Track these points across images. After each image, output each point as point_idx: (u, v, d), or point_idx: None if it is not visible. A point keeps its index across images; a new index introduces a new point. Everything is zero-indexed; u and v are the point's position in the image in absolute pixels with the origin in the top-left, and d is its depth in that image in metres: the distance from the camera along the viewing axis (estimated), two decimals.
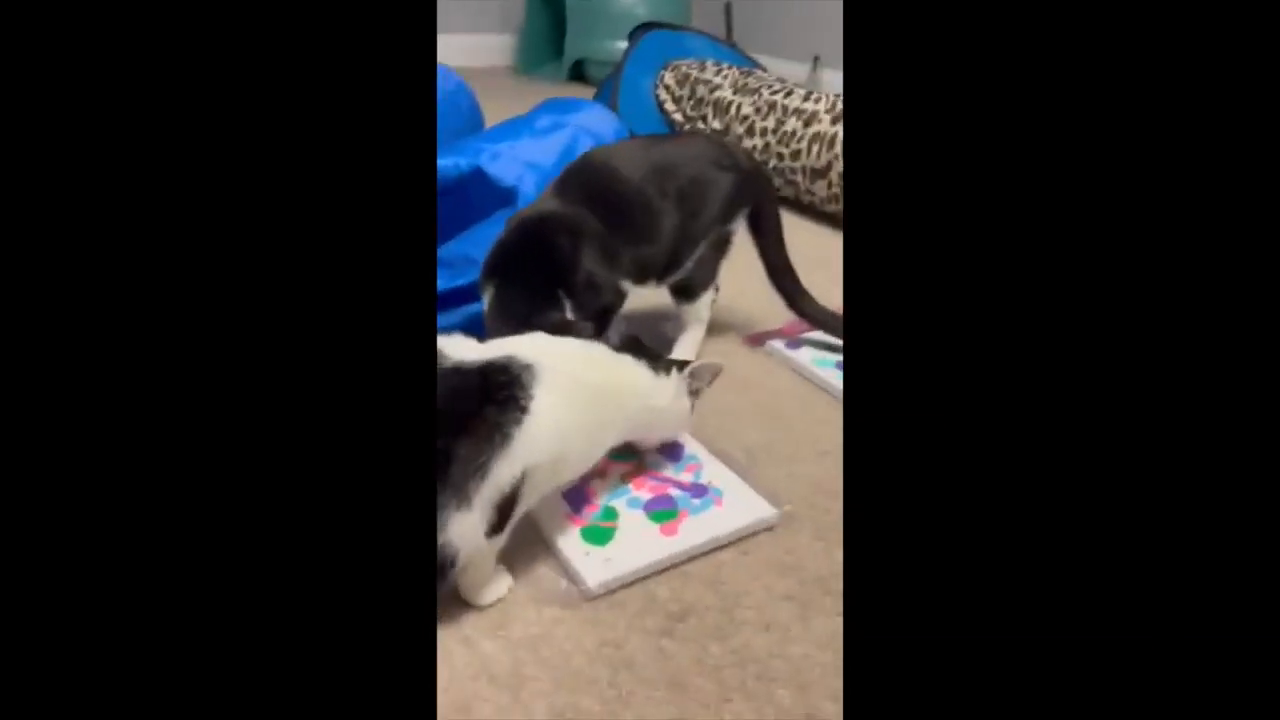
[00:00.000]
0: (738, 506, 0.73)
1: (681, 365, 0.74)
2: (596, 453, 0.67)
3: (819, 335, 1.05)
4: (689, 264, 0.93)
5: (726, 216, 0.95)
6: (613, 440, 0.68)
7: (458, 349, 0.60)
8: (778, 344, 1.03)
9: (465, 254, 0.89)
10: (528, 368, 0.60)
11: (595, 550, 0.67)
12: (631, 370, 0.69)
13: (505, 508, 0.58)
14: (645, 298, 0.96)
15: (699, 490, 0.75)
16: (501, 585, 0.63)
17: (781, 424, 0.89)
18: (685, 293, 0.95)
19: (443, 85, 1.38)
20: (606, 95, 1.92)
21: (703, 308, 0.98)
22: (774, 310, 1.15)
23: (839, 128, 1.45)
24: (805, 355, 1.01)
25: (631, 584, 0.65)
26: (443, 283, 0.90)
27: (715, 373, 0.76)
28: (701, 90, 1.80)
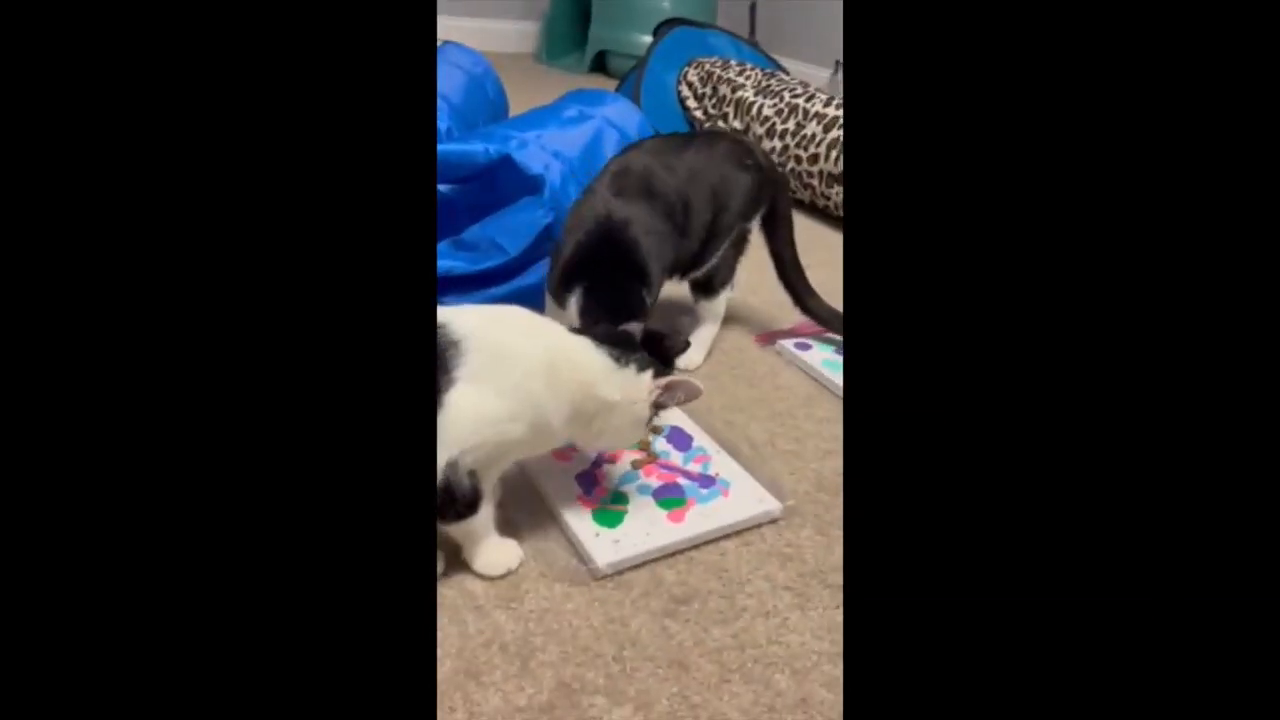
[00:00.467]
0: (743, 498, 0.75)
1: (659, 372, 0.68)
2: (547, 435, 0.64)
3: (830, 338, 1.08)
4: (714, 259, 0.96)
5: (748, 214, 0.98)
6: (562, 423, 0.63)
7: None
8: (788, 344, 1.06)
9: (490, 238, 0.91)
10: (454, 344, 0.58)
11: (605, 532, 0.69)
12: (583, 356, 0.64)
13: (446, 494, 0.58)
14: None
15: (707, 481, 0.77)
16: (513, 559, 0.66)
17: (788, 421, 0.91)
18: (706, 288, 0.98)
19: (471, 69, 1.39)
20: (629, 88, 1.93)
21: (720, 304, 1.00)
22: (785, 311, 1.17)
23: None
24: (814, 356, 1.03)
25: (639, 566, 0.68)
26: (466, 265, 0.92)
27: (691, 394, 0.69)
28: (724, 89, 1.81)
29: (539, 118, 1.11)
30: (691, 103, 1.90)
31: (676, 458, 0.80)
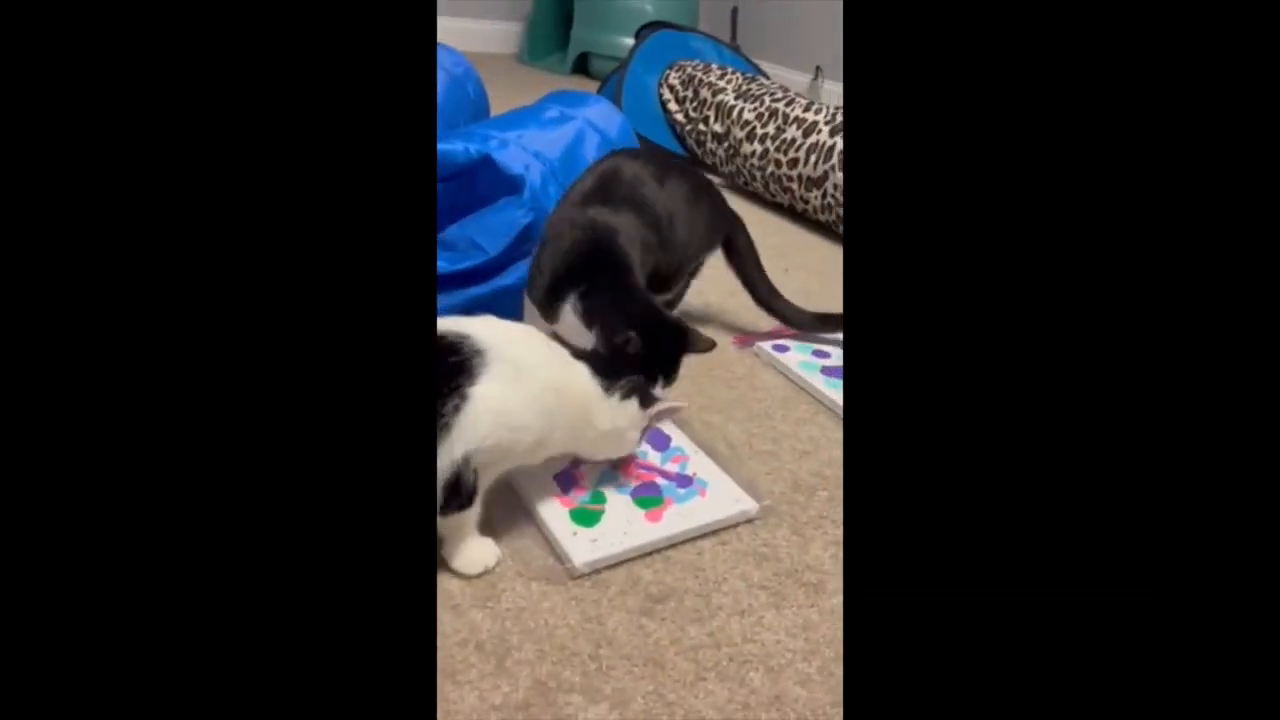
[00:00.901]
0: (720, 498, 0.76)
1: (646, 399, 0.71)
2: (545, 448, 0.67)
3: (807, 339, 1.09)
4: (680, 283, 0.97)
5: (712, 244, 1.02)
6: (560, 440, 0.67)
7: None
8: (765, 345, 1.07)
9: (470, 238, 0.91)
10: (480, 353, 0.61)
11: (583, 531, 0.69)
12: (581, 383, 0.68)
13: (452, 488, 0.60)
14: None
15: (684, 481, 0.78)
16: (490, 558, 0.66)
17: (765, 422, 0.92)
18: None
19: (452, 69, 1.39)
20: (610, 90, 1.94)
21: None
22: (764, 313, 1.18)
23: (837, 139, 1.48)
24: (792, 358, 1.04)
25: (616, 565, 0.68)
26: (445, 265, 0.92)
27: (675, 413, 0.75)
28: (705, 93, 1.82)
29: (520, 118, 1.11)
30: (673, 105, 1.91)
31: (654, 457, 0.81)
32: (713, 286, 1.16)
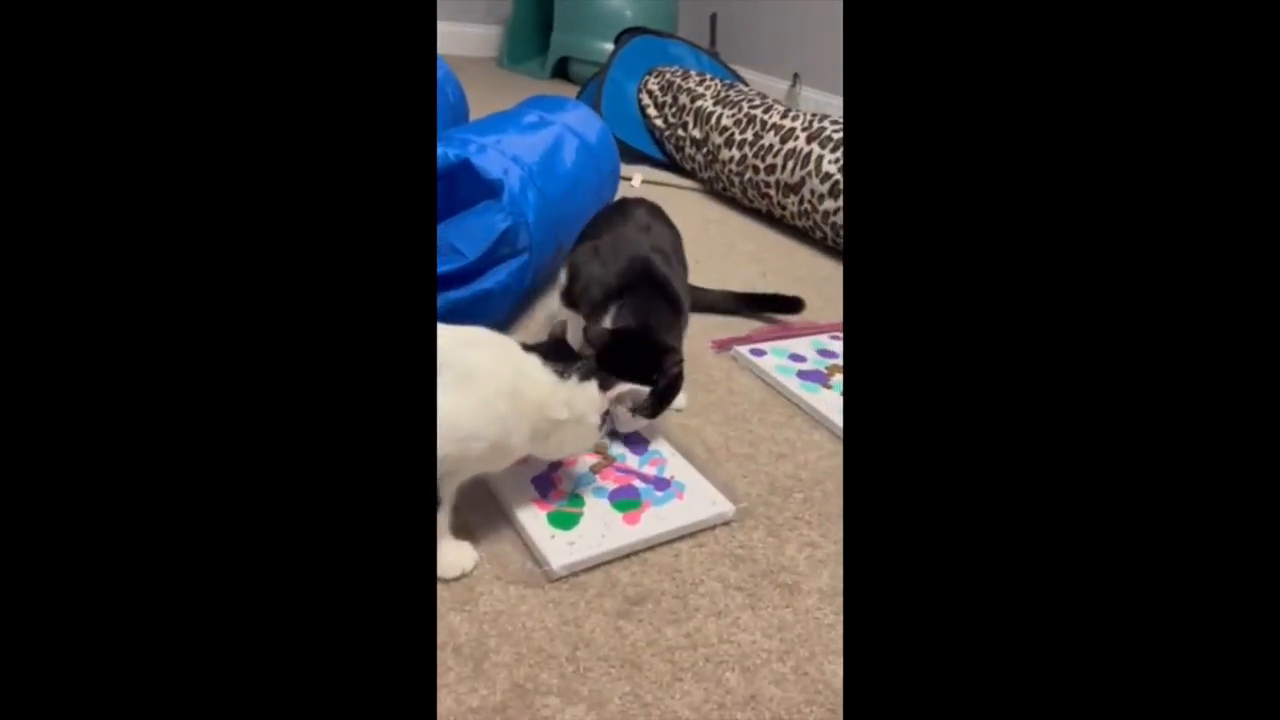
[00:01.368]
0: (697, 501, 0.77)
1: (605, 382, 0.70)
2: (507, 452, 0.66)
3: (781, 344, 1.10)
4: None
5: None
6: (522, 443, 0.66)
7: None
8: (743, 350, 1.08)
9: (449, 242, 0.91)
10: None
11: (560, 534, 0.70)
12: (535, 376, 0.66)
13: None
14: None
15: (662, 484, 0.78)
16: (468, 562, 0.66)
17: (742, 425, 0.93)
18: None
19: None
20: (590, 95, 1.94)
21: None
22: (741, 318, 1.20)
23: (814, 146, 1.50)
24: (768, 362, 1.05)
25: (594, 568, 0.68)
26: None
27: (638, 398, 0.74)
28: (684, 98, 1.84)
29: (499, 123, 1.12)
30: (652, 111, 1.92)
31: (632, 460, 0.82)
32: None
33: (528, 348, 0.68)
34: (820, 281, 1.39)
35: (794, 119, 1.59)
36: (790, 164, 1.53)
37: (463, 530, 0.68)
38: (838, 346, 1.12)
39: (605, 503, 0.75)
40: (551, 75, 2.82)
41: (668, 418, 0.92)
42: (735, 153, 1.65)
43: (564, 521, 0.71)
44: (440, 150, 0.96)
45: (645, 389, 0.76)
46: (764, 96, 1.77)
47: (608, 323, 0.83)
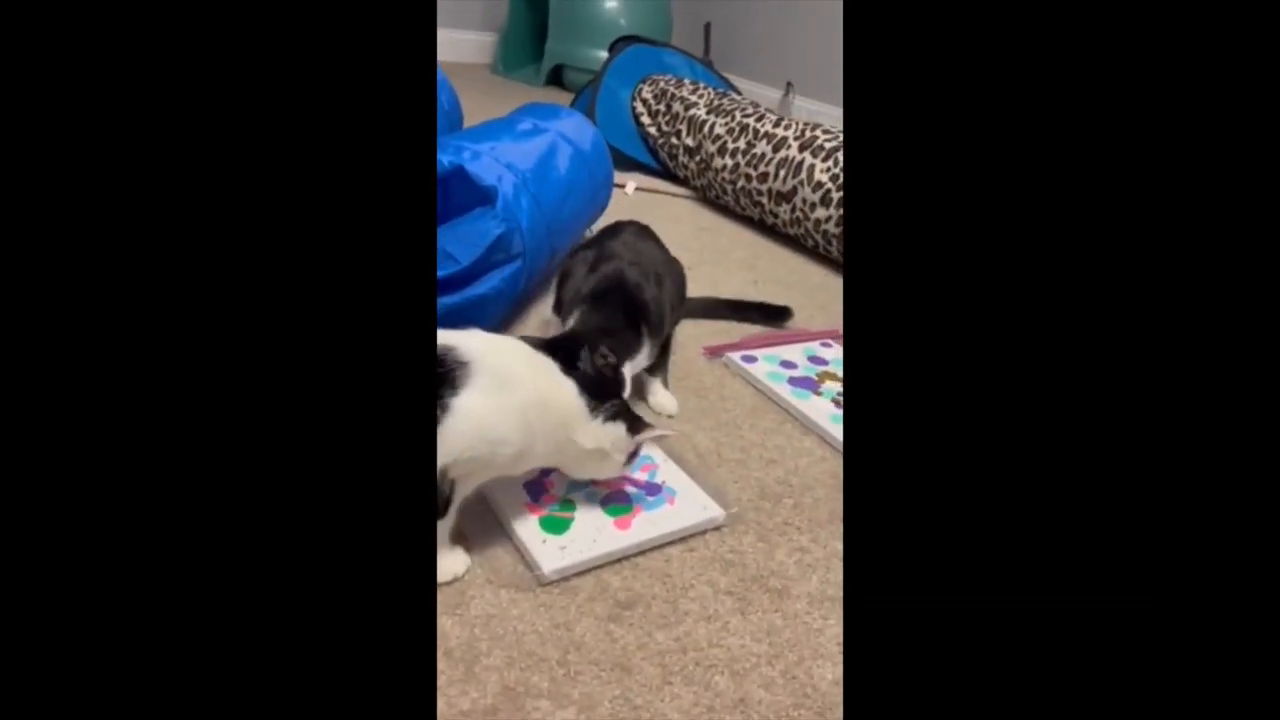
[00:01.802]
0: (688, 506, 0.77)
1: (635, 424, 0.71)
2: (526, 460, 0.67)
3: (772, 350, 1.11)
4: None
5: (681, 303, 1.06)
6: (542, 454, 0.67)
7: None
8: (734, 356, 1.09)
9: (443, 248, 0.92)
10: (463, 365, 0.61)
11: (552, 539, 0.70)
12: (567, 399, 0.68)
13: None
14: None
15: (653, 489, 0.79)
16: (460, 566, 0.66)
17: (733, 431, 0.94)
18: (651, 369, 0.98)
19: None
20: (584, 103, 1.95)
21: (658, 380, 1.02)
22: (733, 325, 1.21)
23: (806, 154, 1.51)
24: (760, 369, 1.06)
25: (585, 572, 0.69)
26: None
27: (663, 438, 0.78)
28: (678, 107, 1.85)
29: (493, 130, 1.12)
30: (646, 119, 1.94)
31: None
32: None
33: (565, 372, 0.69)
34: (812, 289, 1.40)
35: (786, 128, 1.60)
36: (782, 172, 1.54)
37: (454, 534, 0.69)
38: (829, 353, 1.13)
39: (597, 508, 0.75)
40: (546, 83, 2.83)
41: (659, 424, 0.92)
42: (728, 161, 1.67)
43: (556, 526, 0.72)
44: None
45: (670, 432, 0.81)
46: (757, 105, 1.79)
47: (570, 324, 0.86)
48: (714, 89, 1.90)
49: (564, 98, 2.34)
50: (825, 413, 0.97)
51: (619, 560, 0.71)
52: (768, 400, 1.01)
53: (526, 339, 0.79)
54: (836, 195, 1.45)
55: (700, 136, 1.75)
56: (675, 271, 1.03)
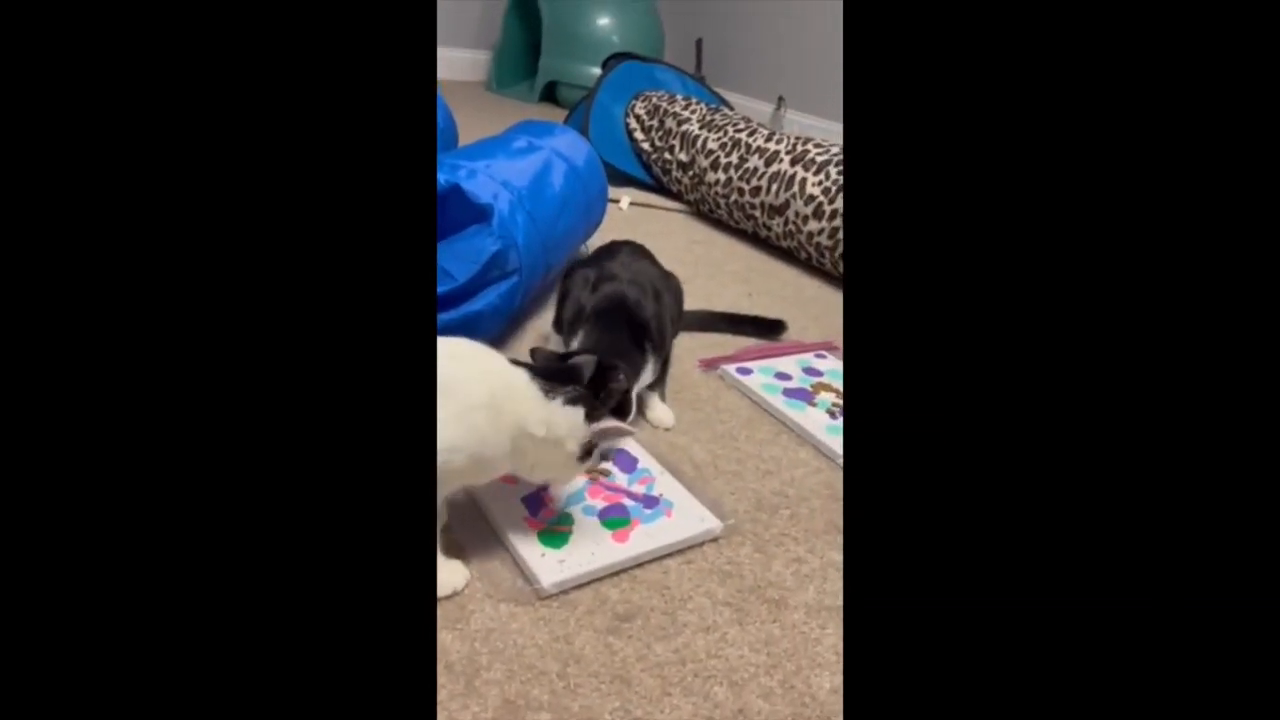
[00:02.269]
0: (685, 518, 0.78)
1: (594, 413, 0.68)
2: (486, 467, 0.66)
3: (767, 362, 1.12)
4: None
5: (679, 318, 1.08)
6: (501, 458, 0.66)
7: None
8: (730, 368, 1.09)
9: (440, 265, 0.93)
10: None
11: (550, 552, 0.71)
12: (519, 389, 0.66)
13: None
14: None
15: (650, 501, 0.79)
16: (459, 580, 0.67)
17: (729, 443, 0.95)
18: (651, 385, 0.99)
19: None
20: (578, 120, 1.97)
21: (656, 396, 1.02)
22: (728, 337, 1.22)
23: (798, 169, 1.53)
24: (755, 380, 1.07)
25: (583, 585, 0.69)
26: None
27: (623, 436, 0.73)
28: (670, 122, 1.87)
29: (488, 148, 1.14)
30: (639, 135, 1.95)
31: (621, 479, 0.83)
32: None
33: (515, 362, 0.68)
34: (805, 301, 1.42)
35: (778, 142, 1.62)
36: (775, 186, 1.56)
37: (453, 549, 0.69)
38: (823, 365, 1.14)
39: (595, 520, 0.76)
40: (540, 99, 2.85)
41: (656, 436, 0.93)
42: (721, 175, 1.68)
43: (554, 540, 0.72)
44: None
45: (632, 429, 0.75)
46: (749, 120, 1.81)
47: (575, 344, 0.88)
48: (706, 104, 1.92)
49: (558, 114, 2.37)
50: (820, 424, 0.98)
51: (617, 573, 0.71)
52: (763, 412, 1.02)
53: (538, 351, 0.80)
54: (829, 208, 1.46)
55: (693, 151, 1.77)
56: (672, 287, 1.05)
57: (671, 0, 3.02)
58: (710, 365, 1.11)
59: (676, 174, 1.84)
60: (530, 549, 0.71)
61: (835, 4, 2.47)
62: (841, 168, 1.48)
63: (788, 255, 1.61)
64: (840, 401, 1.04)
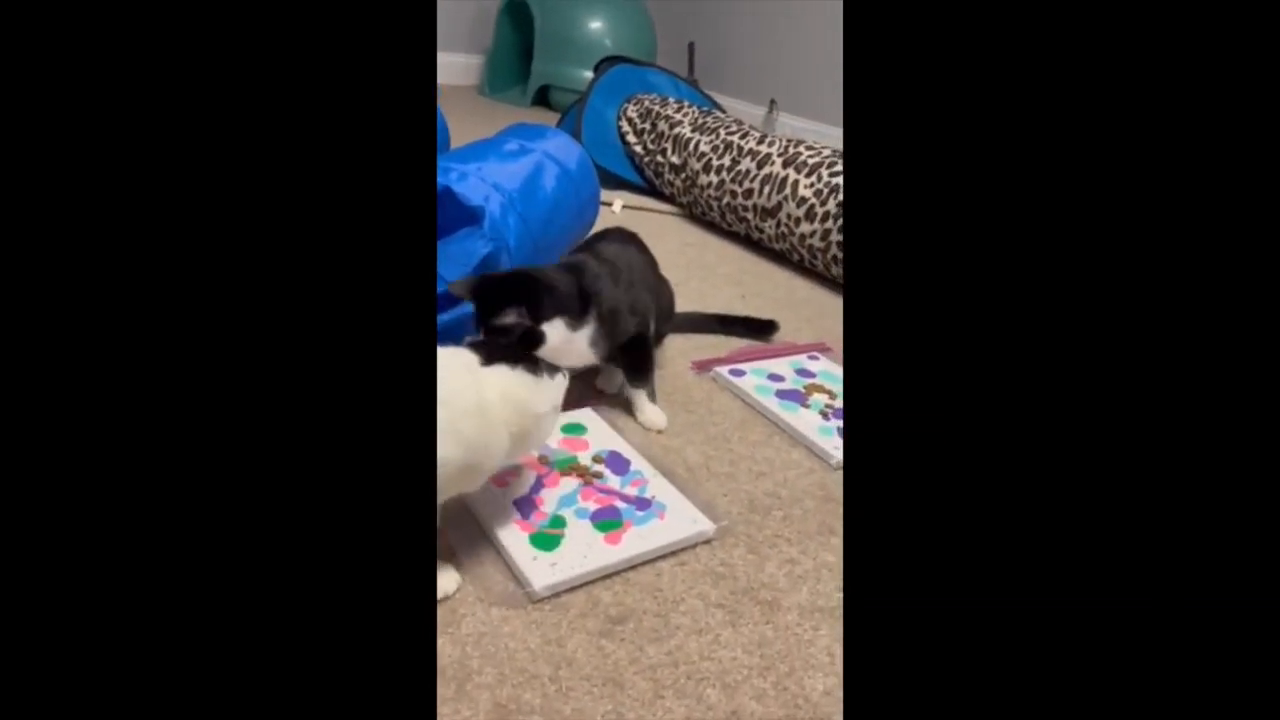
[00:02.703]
0: (678, 520, 0.78)
1: (553, 369, 0.71)
2: (484, 470, 0.66)
3: (760, 364, 1.12)
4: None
5: (669, 316, 1.08)
6: (501, 453, 0.66)
7: None
8: (723, 370, 1.09)
9: None
10: None
11: (542, 555, 0.70)
12: (509, 379, 0.66)
13: None
14: None
15: (643, 503, 0.79)
16: (450, 584, 0.66)
17: (722, 445, 0.94)
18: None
19: None
20: (570, 123, 1.97)
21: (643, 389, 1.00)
22: (720, 339, 1.21)
23: (789, 171, 1.53)
24: (748, 382, 1.07)
25: (575, 588, 0.69)
26: None
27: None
28: (663, 125, 1.87)
29: (480, 150, 1.13)
30: (631, 138, 1.96)
31: (614, 481, 0.82)
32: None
33: (484, 362, 0.66)
34: (798, 303, 1.42)
35: (770, 144, 1.62)
36: (767, 189, 1.56)
37: (444, 552, 0.69)
38: (816, 367, 1.14)
39: (587, 523, 0.75)
40: (532, 103, 2.85)
41: (649, 438, 0.93)
42: (713, 178, 1.68)
43: (546, 542, 0.72)
44: None
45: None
46: (741, 123, 1.81)
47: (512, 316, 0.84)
48: (698, 107, 1.93)
49: (550, 118, 2.37)
50: (813, 425, 0.98)
51: (610, 575, 0.71)
52: (756, 413, 1.02)
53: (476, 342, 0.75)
54: (820, 210, 1.46)
55: (685, 154, 1.77)
56: (655, 279, 1.03)
57: (664, 4, 3.02)
58: (703, 367, 1.11)
59: (669, 177, 1.84)
60: (522, 552, 0.70)
61: (827, 7, 2.47)
62: (834, 169, 1.48)
63: (780, 257, 1.62)
64: (833, 403, 1.04)
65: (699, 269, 1.53)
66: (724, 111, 2.08)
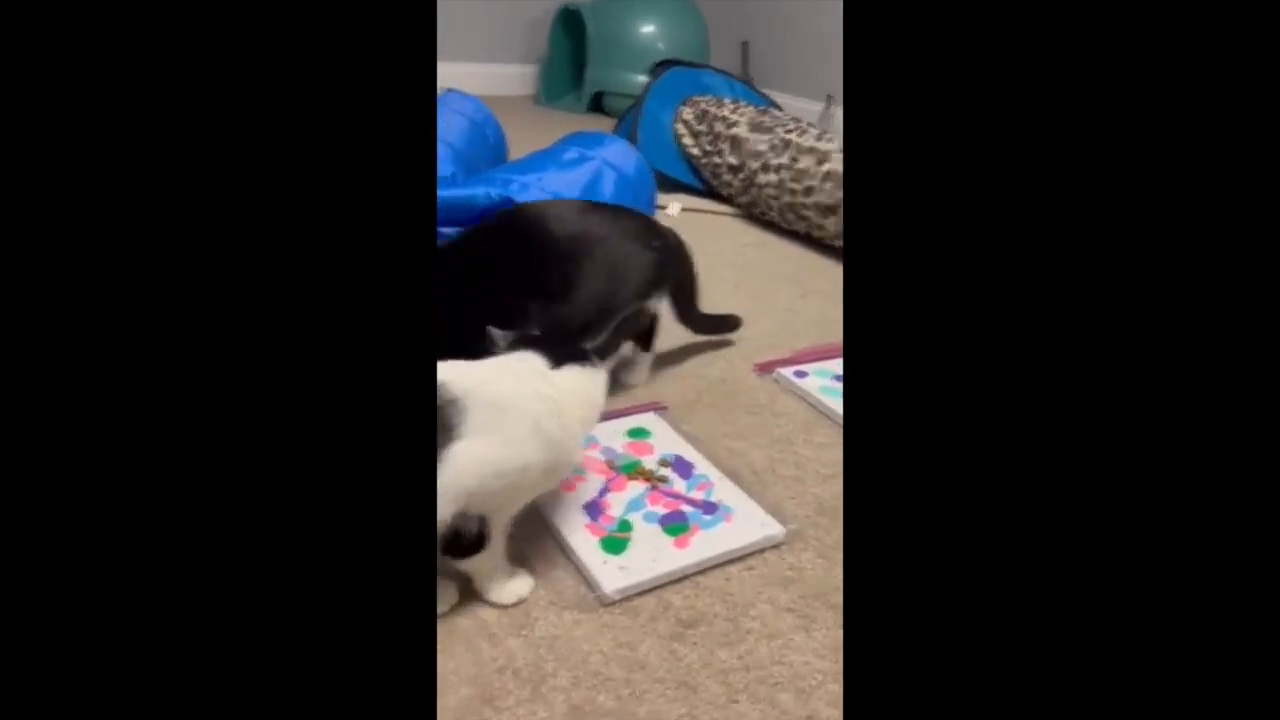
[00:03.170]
0: (746, 524, 0.77)
1: (594, 354, 0.72)
2: (567, 467, 0.67)
3: (824, 365, 1.11)
4: (603, 336, 0.92)
5: (645, 295, 0.96)
6: (580, 446, 0.67)
7: None
8: (785, 372, 1.08)
9: None
10: (453, 403, 0.58)
11: (612, 559, 0.71)
12: (576, 378, 0.67)
13: (452, 540, 0.60)
14: None
15: (710, 508, 0.79)
16: (524, 588, 0.68)
17: (788, 448, 0.94)
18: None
19: (473, 116, 1.45)
20: (626, 128, 1.99)
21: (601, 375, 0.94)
22: (782, 340, 1.21)
23: None
24: (811, 384, 1.06)
25: (646, 592, 0.70)
26: None
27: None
28: (719, 126, 1.86)
29: (539, 161, 1.16)
30: (688, 140, 1.96)
31: (680, 485, 0.83)
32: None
33: (553, 366, 0.67)
34: None
35: (829, 141, 1.60)
36: (828, 185, 1.54)
37: (518, 558, 0.70)
38: None
39: (655, 527, 0.76)
40: (588, 110, 2.88)
41: (713, 443, 0.93)
42: (772, 177, 1.67)
43: (615, 546, 0.73)
44: (482, 190, 1.00)
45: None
46: (798, 120, 1.79)
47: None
48: (754, 106, 1.91)
49: (606, 124, 2.39)
50: None
51: (679, 579, 0.71)
52: (821, 415, 1.01)
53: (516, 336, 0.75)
54: None
55: (743, 154, 1.76)
56: (630, 250, 0.94)
57: (715, 4, 3.01)
58: (766, 369, 1.10)
59: (727, 177, 1.83)
60: (592, 556, 0.71)
61: None
62: None
63: (841, 255, 1.59)
64: None
65: (759, 268, 1.52)
66: (780, 109, 2.06)
